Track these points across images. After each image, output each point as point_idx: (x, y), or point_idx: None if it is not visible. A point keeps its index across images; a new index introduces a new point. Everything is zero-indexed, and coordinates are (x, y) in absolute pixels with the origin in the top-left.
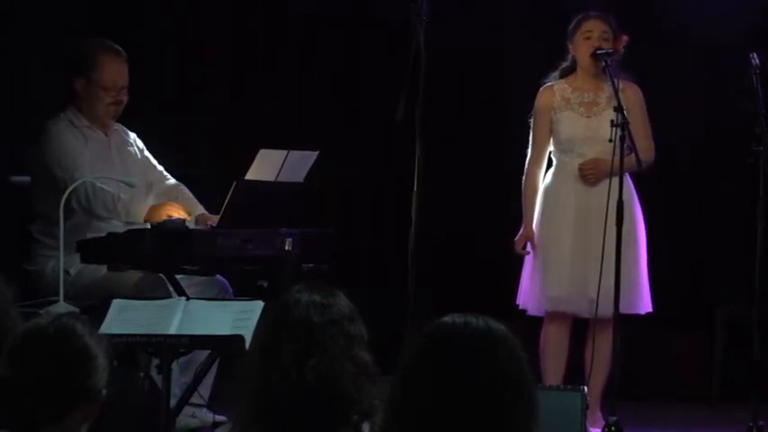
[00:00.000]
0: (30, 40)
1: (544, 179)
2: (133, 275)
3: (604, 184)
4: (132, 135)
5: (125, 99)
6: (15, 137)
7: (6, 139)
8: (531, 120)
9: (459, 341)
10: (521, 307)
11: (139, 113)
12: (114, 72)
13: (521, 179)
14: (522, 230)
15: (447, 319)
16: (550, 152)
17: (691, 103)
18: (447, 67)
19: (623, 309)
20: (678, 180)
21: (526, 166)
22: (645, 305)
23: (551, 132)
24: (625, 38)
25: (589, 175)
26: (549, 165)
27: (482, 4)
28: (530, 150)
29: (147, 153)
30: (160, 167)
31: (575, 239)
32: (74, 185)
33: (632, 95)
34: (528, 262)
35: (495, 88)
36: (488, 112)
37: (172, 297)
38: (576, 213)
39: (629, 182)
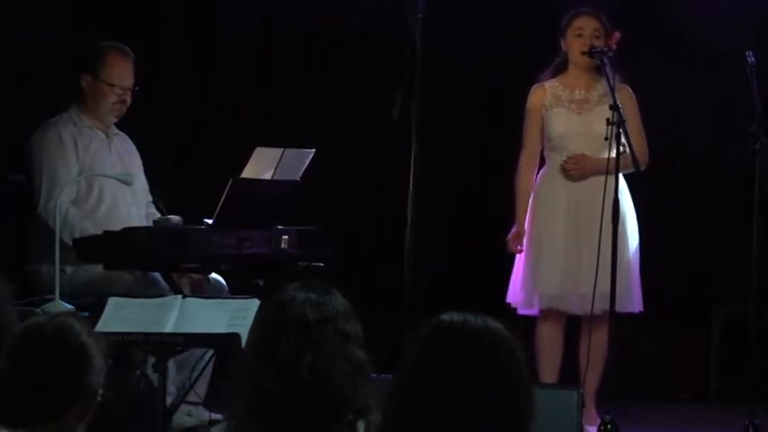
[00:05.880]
0: (32, 38)
1: (537, 178)
2: (129, 274)
3: (596, 182)
4: (134, 147)
5: (129, 100)
6: (15, 136)
7: (6, 138)
8: (524, 119)
9: (457, 340)
10: (512, 305)
11: (139, 113)
12: (121, 70)
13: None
14: (514, 229)
15: (446, 317)
16: (542, 151)
17: (689, 104)
18: (443, 65)
19: (615, 307)
20: (676, 179)
21: (518, 165)
22: (636, 304)
23: (543, 131)
24: (617, 34)
25: (572, 170)
26: (542, 164)
27: (479, 3)
28: (521, 149)
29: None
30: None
31: (567, 237)
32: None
33: (625, 97)
34: (519, 259)
35: (492, 87)
36: (485, 111)
37: (167, 295)
38: (568, 211)
39: (621, 181)
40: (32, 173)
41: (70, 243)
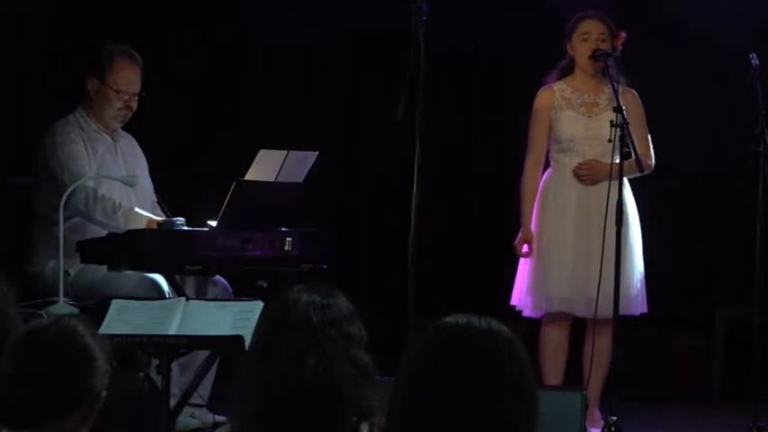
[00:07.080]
0: (35, 41)
1: (543, 180)
2: (133, 276)
3: (603, 184)
4: (139, 149)
5: (135, 106)
6: (16, 137)
7: (7, 139)
8: (531, 120)
9: (461, 342)
10: (517, 308)
11: (139, 114)
12: (128, 77)
13: (520, 180)
14: (521, 233)
15: (449, 319)
16: (548, 153)
17: (690, 104)
18: (447, 67)
19: (620, 310)
20: (679, 180)
21: (524, 166)
22: (640, 306)
23: (550, 133)
24: (623, 35)
25: (585, 176)
26: (547, 166)
27: (481, 5)
28: (528, 151)
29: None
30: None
31: (575, 240)
32: (73, 187)
33: (631, 100)
34: (525, 262)
35: (495, 89)
36: (488, 113)
37: (171, 297)
38: (576, 213)
39: (625, 183)
40: (51, 168)
41: (117, 221)
